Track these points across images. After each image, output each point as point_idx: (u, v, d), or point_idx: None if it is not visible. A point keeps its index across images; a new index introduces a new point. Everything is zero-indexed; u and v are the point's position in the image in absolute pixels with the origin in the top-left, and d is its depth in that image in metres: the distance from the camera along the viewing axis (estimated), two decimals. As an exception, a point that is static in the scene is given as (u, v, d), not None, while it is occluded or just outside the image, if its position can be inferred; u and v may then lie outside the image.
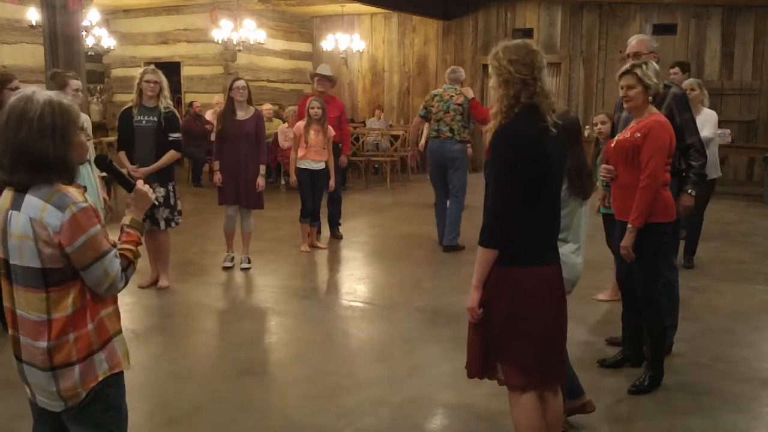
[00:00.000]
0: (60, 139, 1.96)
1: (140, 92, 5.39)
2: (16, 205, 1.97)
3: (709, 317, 4.99)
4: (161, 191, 5.45)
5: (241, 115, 6.05)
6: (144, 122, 5.39)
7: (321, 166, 6.84)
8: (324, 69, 7.54)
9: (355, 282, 6.08)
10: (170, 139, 5.42)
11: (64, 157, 1.97)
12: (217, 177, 6.16)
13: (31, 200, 1.95)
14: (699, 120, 5.00)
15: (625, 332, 4.08)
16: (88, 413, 2.08)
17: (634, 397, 3.65)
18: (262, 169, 6.14)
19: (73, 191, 1.98)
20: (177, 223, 5.64)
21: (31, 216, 1.94)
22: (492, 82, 2.61)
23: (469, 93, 7.24)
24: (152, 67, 5.63)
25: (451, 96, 7.07)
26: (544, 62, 2.58)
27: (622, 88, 3.65)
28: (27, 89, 2.02)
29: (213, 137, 6.98)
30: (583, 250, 3.20)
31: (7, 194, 2.00)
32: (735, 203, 9.21)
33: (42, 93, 1.98)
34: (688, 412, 3.52)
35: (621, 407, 3.57)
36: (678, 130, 3.83)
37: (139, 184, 2.22)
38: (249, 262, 6.28)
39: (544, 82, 2.56)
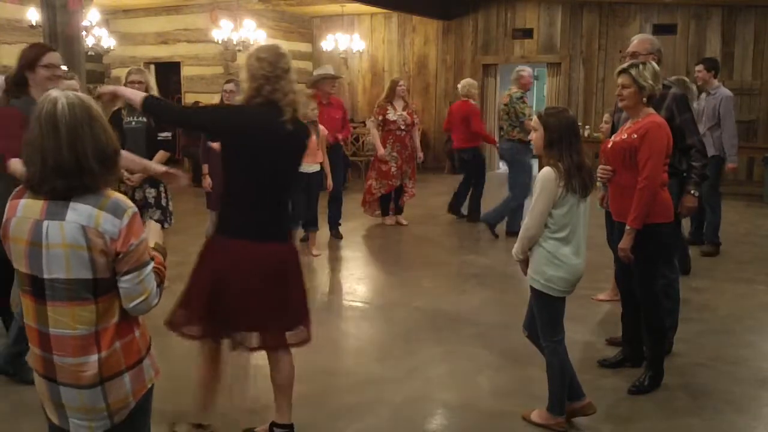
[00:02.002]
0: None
1: None
2: (53, 214, 1.84)
3: (709, 317, 4.99)
4: (152, 192, 5.36)
5: None
6: (133, 123, 5.28)
7: (316, 168, 6.71)
8: (329, 69, 7.57)
9: (355, 282, 6.08)
10: (159, 138, 5.29)
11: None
12: (207, 182, 5.90)
13: (80, 208, 1.84)
14: None
15: (625, 332, 4.08)
16: (136, 423, 2.04)
17: (634, 397, 3.65)
18: None
19: (121, 196, 1.92)
20: (169, 224, 5.55)
21: (84, 224, 1.83)
22: (241, 76, 2.89)
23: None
24: (137, 66, 5.51)
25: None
26: (290, 65, 2.83)
27: (618, 87, 3.67)
28: (58, 93, 1.89)
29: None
30: (584, 250, 3.19)
31: (33, 204, 1.87)
32: (735, 203, 9.20)
33: (75, 93, 1.94)
34: (688, 413, 3.52)
35: (621, 407, 3.56)
36: (678, 130, 3.83)
37: (152, 223, 2.31)
38: None
39: (288, 82, 2.80)
